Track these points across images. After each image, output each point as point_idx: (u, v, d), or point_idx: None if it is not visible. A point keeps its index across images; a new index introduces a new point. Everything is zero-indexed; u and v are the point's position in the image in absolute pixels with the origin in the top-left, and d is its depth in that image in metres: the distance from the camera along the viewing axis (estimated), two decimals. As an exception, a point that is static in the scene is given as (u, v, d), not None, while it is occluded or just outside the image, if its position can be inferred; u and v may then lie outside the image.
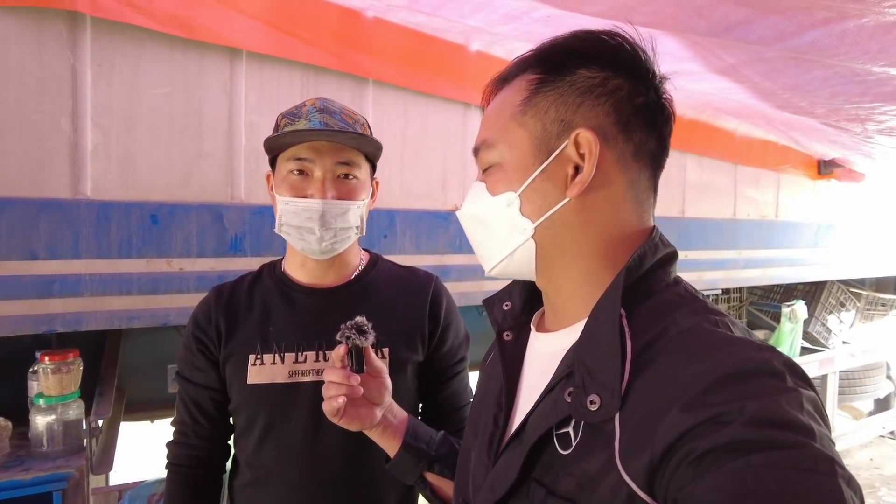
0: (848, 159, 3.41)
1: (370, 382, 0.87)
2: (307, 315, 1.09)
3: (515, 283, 0.76)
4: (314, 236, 1.02)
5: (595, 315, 0.59)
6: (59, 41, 1.47)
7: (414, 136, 2.00)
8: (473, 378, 1.30)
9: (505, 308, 0.76)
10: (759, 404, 0.46)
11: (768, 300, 4.13)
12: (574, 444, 0.55)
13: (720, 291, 3.41)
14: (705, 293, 3.21)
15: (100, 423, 1.72)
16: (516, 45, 1.84)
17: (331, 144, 1.01)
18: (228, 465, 1.19)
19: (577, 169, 0.61)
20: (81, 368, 1.67)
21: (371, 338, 0.83)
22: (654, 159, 0.64)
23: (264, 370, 1.05)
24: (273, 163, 1.08)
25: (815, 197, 3.60)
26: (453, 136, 2.10)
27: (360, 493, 1.07)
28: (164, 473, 1.68)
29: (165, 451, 1.15)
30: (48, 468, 1.55)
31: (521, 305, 0.75)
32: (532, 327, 0.72)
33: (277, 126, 1.06)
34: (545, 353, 0.67)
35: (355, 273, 1.15)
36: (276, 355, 1.06)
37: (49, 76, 1.47)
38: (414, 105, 1.98)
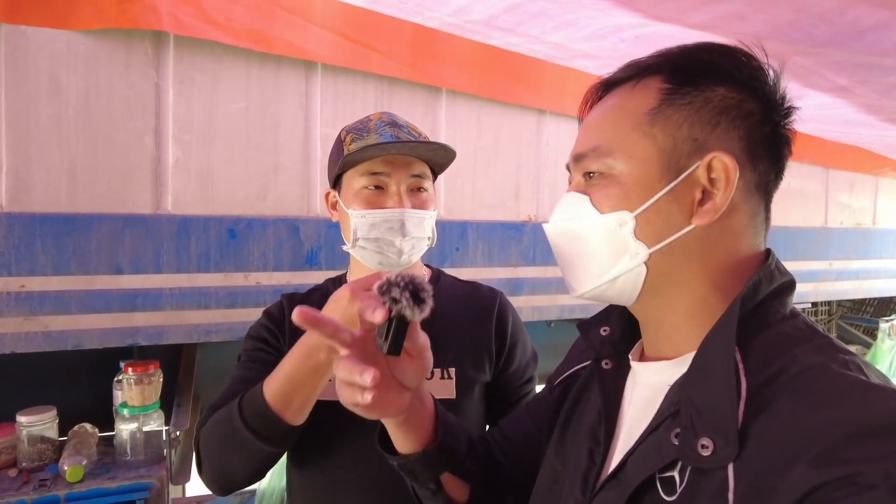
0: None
1: (407, 364, 0.64)
2: None
3: (613, 307, 0.69)
4: (395, 247, 0.99)
5: (706, 348, 0.53)
6: (145, 60, 1.50)
7: (487, 146, 1.95)
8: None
9: (603, 333, 0.69)
10: None
11: (859, 313, 3.83)
12: (679, 490, 0.50)
13: (809, 305, 3.18)
14: (795, 305, 3.03)
15: (178, 433, 1.74)
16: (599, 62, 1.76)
17: (404, 158, 0.99)
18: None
19: (703, 194, 0.56)
20: (161, 380, 1.71)
21: (427, 309, 0.57)
22: (770, 192, 0.60)
23: (329, 387, 0.98)
24: (337, 180, 1.05)
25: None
26: (527, 144, 2.03)
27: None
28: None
29: (197, 427, 1.01)
30: (132, 477, 1.59)
31: (621, 332, 0.68)
32: (630, 357, 0.66)
33: (341, 142, 1.03)
34: (647, 385, 0.62)
35: None
36: None
37: (135, 94, 1.50)
38: (487, 114, 1.92)
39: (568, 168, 0.65)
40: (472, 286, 1.17)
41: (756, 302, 0.55)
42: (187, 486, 1.74)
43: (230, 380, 1.04)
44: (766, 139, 0.57)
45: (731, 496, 0.46)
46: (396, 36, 1.71)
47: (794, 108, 0.59)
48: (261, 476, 0.96)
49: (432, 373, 1.04)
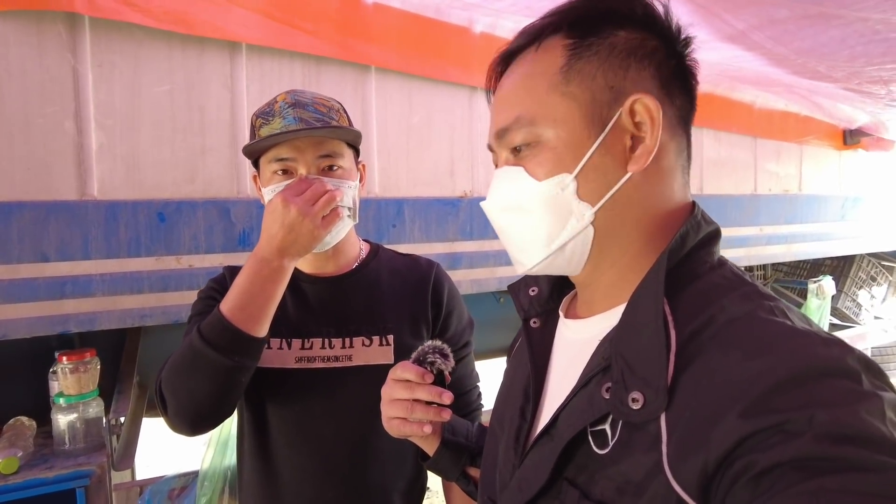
0: (876, 126, 3.29)
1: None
2: (312, 303, 1.10)
3: None
4: None
5: (635, 302, 0.53)
6: (59, 43, 1.47)
7: (419, 123, 1.97)
8: (479, 365, 1.28)
9: (531, 293, 0.70)
10: (833, 414, 0.40)
11: (794, 276, 4.03)
12: (612, 444, 0.50)
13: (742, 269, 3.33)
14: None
15: (121, 420, 1.74)
16: (521, 21, 1.80)
17: (310, 140, 1.00)
18: (233, 457, 1.19)
19: (633, 140, 0.56)
20: (99, 367, 1.70)
21: (452, 360, 0.80)
22: (688, 124, 0.59)
23: (271, 355, 1.05)
24: (256, 164, 1.07)
25: (840, 168, 3.48)
26: (459, 120, 2.07)
27: (368, 479, 1.08)
28: (184, 468, 1.71)
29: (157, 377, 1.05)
30: (70, 466, 1.58)
31: (549, 290, 0.70)
32: (560, 313, 0.67)
33: (253, 127, 1.04)
34: (575, 341, 0.62)
35: (357, 262, 1.15)
36: (283, 341, 1.06)
37: (50, 79, 1.47)
38: (418, 91, 1.95)
39: (490, 148, 0.64)
40: (411, 259, 1.21)
41: (684, 253, 0.54)
42: (136, 470, 1.74)
43: (184, 337, 1.05)
44: (674, 73, 0.57)
45: (664, 448, 0.46)
46: (322, 14, 1.71)
47: (690, 37, 0.59)
48: (228, 405, 0.98)
49: (371, 339, 1.08)
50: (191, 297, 1.63)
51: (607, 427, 0.51)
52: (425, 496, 1.19)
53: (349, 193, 1.04)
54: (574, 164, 0.56)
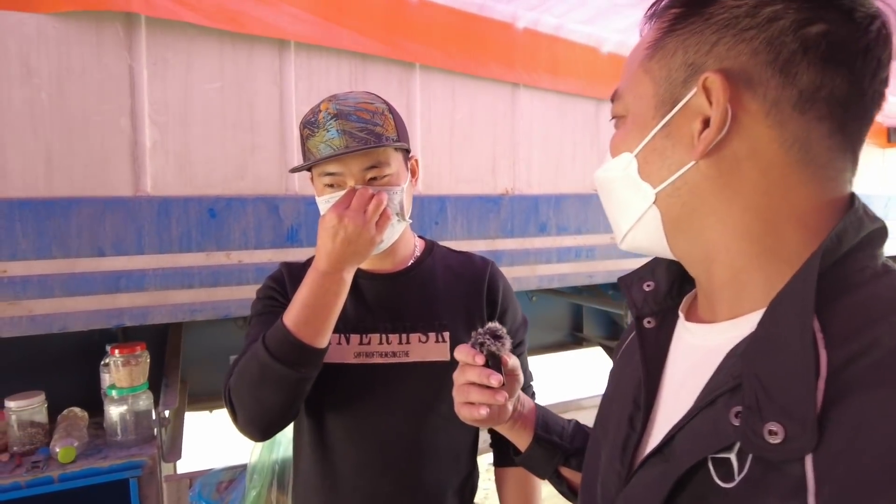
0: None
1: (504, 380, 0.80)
2: (370, 299, 1.11)
3: (660, 259, 0.63)
4: None
5: (776, 312, 0.45)
6: (117, 42, 1.50)
7: (462, 120, 1.97)
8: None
9: (646, 289, 0.63)
10: None
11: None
12: (739, 479, 0.43)
13: None
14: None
15: (167, 413, 1.77)
16: (563, 15, 1.79)
17: (354, 156, 1.00)
18: (289, 445, 1.20)
19: (705, 124, 0.49)
20: (148, 361, 1.73)
21: (508, 343, 0.77)
22: (844, 106, 0.47)
23: (330, 350, 1.05)
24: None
25: (884, 166, 3.39)
26: (502, 117, 2.06)
27: (424, 475, 1.08)
28: (231, 462, 1.73)
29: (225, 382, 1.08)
30: (123, 456, 1.62)
31: (668, 286, 0.62)
32: (681, 314, 0.60)
33: (302, 137, 1.05)
34: (698, 347, 0.55)
35: (412, 259, 1.16)
36: (342, 336, 1.07)
37: (108, 77, 1.50)
38: (462, 88, 1.95)
39: None
40: (465, 256, 1.22)
41: (839, 256, 0.46)
42: (178, 463, 1.78)
43: (247, 339, 1.08)
44: (809, 44, 0.45)
45: (811, 500, 0.38)
46: (368, 12, 1.72)
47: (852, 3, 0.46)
48: (295, 410, 1.02)
49: (427, 336, 1.10)
50: (240, 292, 1.66)
51: (732, 456, 0.44)
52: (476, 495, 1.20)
53: (396, 198, 1.04)
54: (637, 143, 0.53)
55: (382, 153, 1.02)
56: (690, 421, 0.48)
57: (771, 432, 0.40)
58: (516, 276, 2.09)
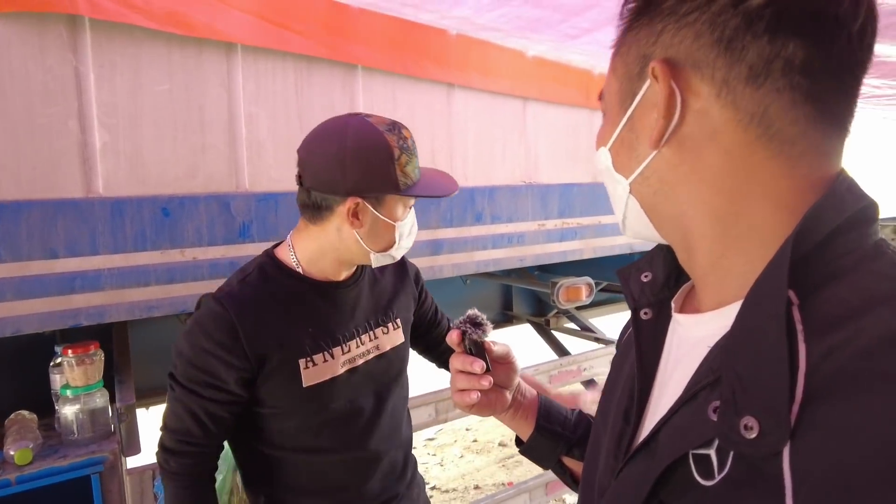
0: None
1: (498, 368, 0.80)
2: (339, 308, 1.17)
3: (658, 249, 0.62)
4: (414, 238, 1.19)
5: (751, 302, 0.43)
6: (61, 44, 1.50)
7: (403, 118, 2.07)
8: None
9: (644, 280, 0.62)
10: None
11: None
12: (719, 477, 0.42)
13: None
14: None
15: (123, 408, 1.80)
16: (494, 21, 1.94)
17: None
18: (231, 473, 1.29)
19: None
20: (103, 359, 1.75)
21: (488, 329, 0.78)
22: (807, 74, 0.43)
23: (318, 370, 1.11)
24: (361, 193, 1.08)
25: None
26: (439, 115, 2.20)
27: (401, 435, 1.27)
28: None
29: (158, 456, 1.12)
30: (83, 454, 1.64)
31: (665, 277, 0.61)
32: (672, 305, 0.59)
33: (393, 159, 1.04)
34: (685, 339, 0.54)
35: (356, 265, 1.22)
36: (326, 353, 1.12)
37: (53, 79, 1.51)
38: (402, 89, 2.07)
39: None
40: None
41: (822, 238, 0.43)
42: (137, 457, 1.81)
43: (178, 408, 1.07)
44: (752, 17, 0.43)
45: (789, 501, 0.36)
46: (311, 15, 1.80)
47: None
48: None
49: (387, 327, 1.23)
50: (196, 287, 1.72)
51: (712, 453, 0.43)
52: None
53: None
54: (609, 138, 0.54)
55: None
56: (674, 416, 0.47)
57: (746, 427, 0.39)
58: (456, 262, 2.25)
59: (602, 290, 3.38)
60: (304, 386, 1.09)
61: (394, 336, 1.25)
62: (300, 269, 1.14)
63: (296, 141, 1.91)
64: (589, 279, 2.91)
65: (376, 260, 1.13)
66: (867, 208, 0.45)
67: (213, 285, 1.73)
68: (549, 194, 2.59)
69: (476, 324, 0.77)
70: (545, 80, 2.47)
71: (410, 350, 1.35)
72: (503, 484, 3.80)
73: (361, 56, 1.92)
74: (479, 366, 0.75)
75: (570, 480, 0.83)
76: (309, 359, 1.10)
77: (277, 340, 1.07)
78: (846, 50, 0.43)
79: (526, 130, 2.49)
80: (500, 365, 0.81)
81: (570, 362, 2.73)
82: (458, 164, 2.27)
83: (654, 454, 0.48)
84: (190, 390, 1.05)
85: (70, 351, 1.67)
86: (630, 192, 0.54)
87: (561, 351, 3.43)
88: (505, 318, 3.70)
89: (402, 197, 1.09)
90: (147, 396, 2.36)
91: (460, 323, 0.78)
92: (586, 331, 3.32)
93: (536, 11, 1.63)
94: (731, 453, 0.41)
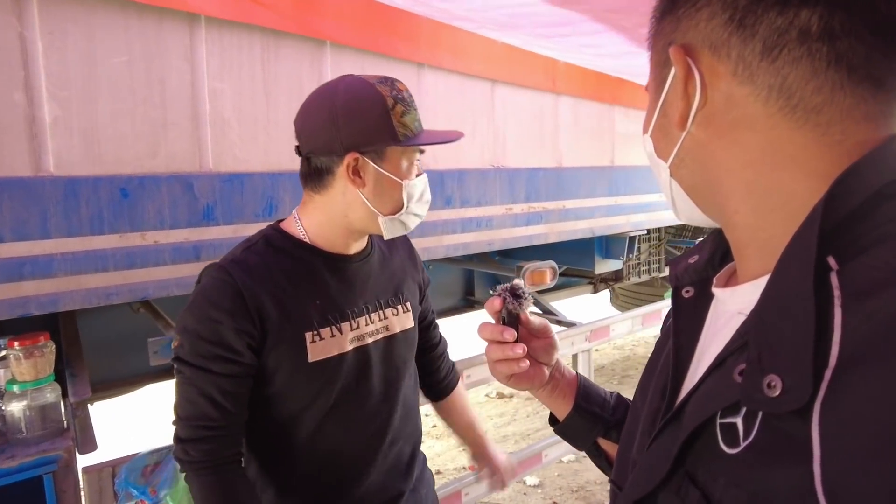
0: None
1: (536, 343, 0.79)
2: (349, 282, 1.12)
3: (710, 234, 0.63)
4: (423, 216, 1.14)
5: (782, 267, 0.43)
6: (3, 9, 1.37)
7: (372, 98, 2.03)
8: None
9: (690, 261, 0.62)
10: None
11: (681, 237, 4.55)
12: (744, 444, 0.41)
13: (645, 231, 3.73)
14: (632, 234, 3.50)
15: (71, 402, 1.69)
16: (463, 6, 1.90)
17: None
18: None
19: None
20: (54, 351, 1.63)
21: (527, 303, 0.76)
22: (826, 40, 0.43)
23: (326, 345, 1.05)
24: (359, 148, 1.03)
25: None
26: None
27: (408, 425, 1.22)
28: (155, 445, 1.70)
29: (176, 451, 1.04)
30: (34, 453, 1.53)
31: (710, 256, 0.61)
32: (714, 281, 0.58)
33: (388, 109, 1.01)
34: (722, 313, 0.54)
35: (367, 240, 1.19)
36: (334, 327, 1.07)
37: (-5, 46, 1.38)
38: (371, 66, 2.00)
39: None
40: None
41: (856, 204, 0.42)
42: (95, 454, 1.70)
43: (188, 390, 1.00)
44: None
45: (816, 467, 0.35)
46: (278, -12, 1.72)
47: None
48: None
49: (397, 309, 1.18)
50: (157, 272, 1.62)
51: (738, 421, 0.42)
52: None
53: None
54: (649, 124, 0.56)
55: None
56: (702, 384, 0.47)
57: (770, 385, 0.39)
58: (426, 246, 2.22)
59: (562, 273, 3.42)
60: (309, 361, 1.03)
61: (404, 319, 1.19)
62: (307, 240, 1.10)
63: (262, 118, 1.84)
64: (553, 263, 2.94)
65: (387, 227, 1.07)
66: None
67: (175, 270, 1.65)
68: (517, 178, 2.59)
69: (516, 295, 0.75)
70: (513, 63, 2.45)
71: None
72: (464, 468, 3.83)
73: (330, 32, 1.85)
74: (509, 334, 0.74)
75: (605, 463, 0.81)
76: (316, 332, 1.05)
77: (283, 310, 1.02)
78: (868, 8, 0.43)
79: (494, 113, 2.47)
80: (539, 340, 0.79)
81: (535, 346, 2.74)
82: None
83: (681, 423, 0.48)
84: (200, 368, 0.99)
85: (17, 343, 1.55)
86: (671, 176, 0.55)
87: (523, 335, 3.44)
88: (467, 303, 3.70)
89: (404, 150, 1.04)
90: (100, 390, 2.23)
91: (502, 290, 0.76)
92: (548, 314, 3.36)
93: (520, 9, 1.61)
94: (758, 420, 0.41)
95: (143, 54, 1.55)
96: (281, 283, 1.04)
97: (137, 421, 3.65)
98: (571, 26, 1.78)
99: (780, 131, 0.46)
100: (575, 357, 3.01)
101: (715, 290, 0.56)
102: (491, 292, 0.76)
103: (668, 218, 3.61)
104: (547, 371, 0.80)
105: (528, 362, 0.75)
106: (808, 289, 0.39)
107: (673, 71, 0.50)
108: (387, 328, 1.16)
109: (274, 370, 1.03)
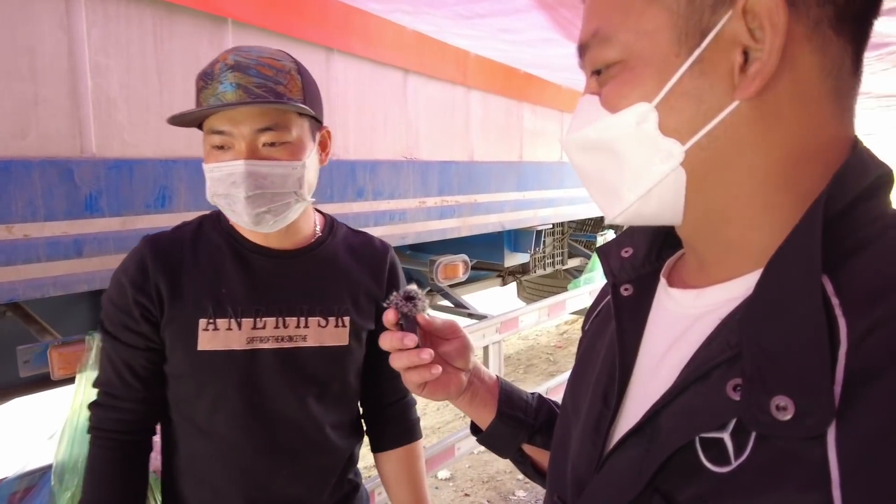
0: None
1: (447, 346, 0.72)
2: (266, 278, 1.02)
3: (638, 227, 0.57)
4: (240, 204, 0.92)
5: (776, 269, 0.39)
6: None
7: (278, 83, 1.92)
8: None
9: (624, 255, 0.57)
10: None
11: (582, 231, 4.74)
12: (737, 463, 0.38)
13: (551, 225, 3.84)
14: (539, 228, 3.60)
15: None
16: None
17: (248, 111, 0.90)
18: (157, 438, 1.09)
19: (747, 55, 0.41)
20: None
21: (421, 304, 0.71)
22: (861, 27, 0.42)
23: (218, 336, 0.98)
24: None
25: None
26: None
27: (311, 462, 1.06)
28: (25, 467, 1.50)
29: (88, 413, 1.03)
30: None
31: (647, 250, 0.56)
32: (662, 279, 0.54)
33: (196, 90, 0.94)
34: (683, 316, 0.49)
35: (314, 238, 1.08)
36: (232, 320, 0.99)
37: None
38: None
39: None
40: (365, 237, 1.17)
41: (843, 205, 0.40)
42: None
43: (103, 357, 1.03)
44: None
45: (836, 491, 0.32)
46: (172, -44, 1.56)
47: None
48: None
49: (327, 320, 1.04)
50: (29, 270, 1.43)
51: (726, 436, 0.39)
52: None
53: (294, 175, 0.94)
54: (657, 89, 0.43)
55: (281, 115, 0.92)
56: (678, 397, 0.43)
57: (779, 407, 0.35)
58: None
59: (472, 267, 3.45)
60: (198, 348, 0.97)
61: (334, 333, 1.05)
62: (237, 229, 1.04)
63: (155, 100, 1.67)
64: (465, 256, 2.95)
65: (236, 218, 0.98)
66: (887, 175, 0.43)
67: (51, 268, 1.46)
68: (430, 171, 2.56)
69: (409, 298, 0.71)
70: (425, 53, 2.41)
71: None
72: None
73: (231, 9, 1.72)
74: (410, 340, 0.67)
75: (532, 470, 0.76)
76: (211, 321, 0.98)
77: (180, 291, 0.99)
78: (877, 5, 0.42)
79: (407, 104, 2.42)
80: (449, 342, 0.73)
81: (447, 339, 2.74)
82: (338, 135, 2.14)
83: (653, 439, 0.43)
84: (111, 335, 1.00)
85: None
86: (681, 164, 0.44)
87: (434, 329, 3.44)
88: (377, 298, 3.63)
89: (207, 136, 0.94)
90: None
91: (394, 298, 0.71)
92: (460, 307, 3.37)
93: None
94: (753, 437, 0.37)
95: (7, 20, 1.34)
96: (189, 265, 1.00)
97: (3, 440, 3.26)
98: (490, 2, 1.74)
99: (823, 118, 0.42)
100: (486, 349, 3.04)
101: (672, 290, 0.51)
102: (384, 304, 0.71)
103: (572, 213, 3.75)
104: (464, 377, 0.73)
105: (439, 368, 0.68)
106: (816, 299, 0.36)
107: (726, 17, 0.40)
108: (304, 338, 1.03)
109: (171, 350, 1.00)
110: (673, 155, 0.43)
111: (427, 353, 0.67)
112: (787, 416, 0.35)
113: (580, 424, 0.55)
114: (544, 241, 3.92)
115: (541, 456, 0.75)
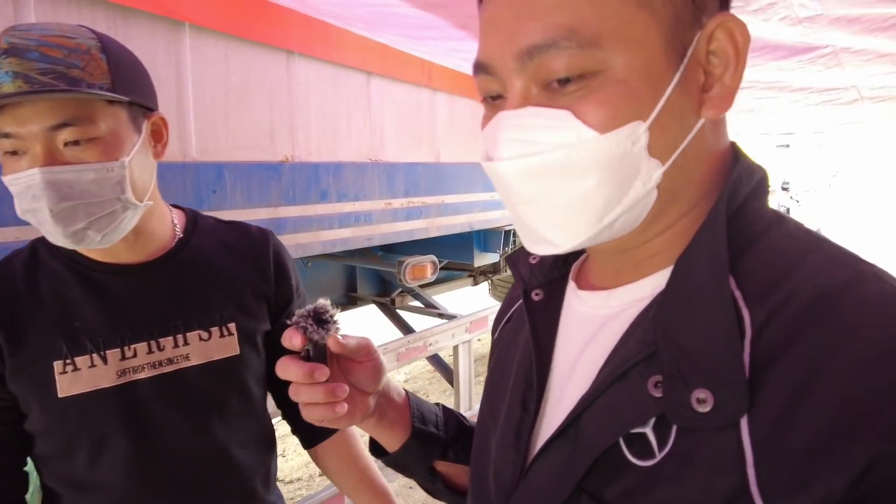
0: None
1: (357, 368, 0.64)
2: (126, 300, 0.88)
3: None
4: (48, 221, 0.75)
5: (685, 268, 0.41)
6: None
7: (238, 85, 1.92)
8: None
9: (532, 262, 0.57)
10: None
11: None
12: (661, 455, 0.39)
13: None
14: (507, 228, 3.61)
15: None
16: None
17: (35, 106, 0.71)
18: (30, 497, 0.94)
19: (705, 75, 0.42)
20: None
21: (334, 327, 0.60)
22: None
23: (80, 377, 0.83)
24: None
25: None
26: (278, 83, 2.05)
27: (219, 492, 0.94)
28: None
29: None
30: None
31: (553, 256, 0.56)
32: (572, 282, 0.55)
33: None
34: (594, 317, 0.49)
35: (174, 241, 0.93)
36: (95, 355, 0.84)
37: None
38: (236, 52, 1.88)
39: (484, 71, 0.44)
40: (239, 227, 1.02)
41: (737, 205, 0.42)
42: None
43: None
44: None
45: (750, 471, 0.35)
46: (126, -41, 1.56)
47: None
48: None
49: (209, 332, 0.91)
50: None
51: (648, 431, 0.40)
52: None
53: (111, 178, 0.77)
54: (650, 106, 0.40)
55: (82, 106, 0.74)
56: (600, 397, 0.43)
57: (699, 400, 0.37)
58: (300, 242, 2.14)
59: (443, 267, 3.47)
60: (59, 396, 0.82)
61: (219, 345, 0.92)
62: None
63: (108, 104, 1.66)
64: (433, 257, 2.97)
65: (52, 238, 0.79)
66: (765, 176, 0.46)
67: None
68: (395, 173, 2.57)
69: (321, 320, 0.59)
70: (388, 57, 2.43)
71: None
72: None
73: (188, 12, 1.71)
74: (321, 373, 0.57)
75: (443, 488, 0.70)
76: (68, 361, 0.82)
77: (27, 333, 0.82)
78: None
79: (370, 106, 2.43)
80: (360, 365, 0.64)
81: (416, 339, 2.76)
82: (300, 137, 2.14)
83: (578, 441, 0.44)
84: None
85: None
86: (657, 185, 0.42)
87: (406, 329, 3.47)
88: (349, 300, 3.64)
89: None
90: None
91: (300, 318, 0.59)
92: (430, 307, 3.39)
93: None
94: (674, 429, 0.39)
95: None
96: (27, 303, 0.84)
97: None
98: (437, 30, 1.79)
99: (724, 125, 0.46)
100: (456, 348, 3.07)
101: (581, 292, 0.52)
102: (287, 322, 0.60)
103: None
104: (372, 401, 0.65)
105: (345, 406, 0.59)
106: (725, 294, 0.38)
107: (698, 35, 0.41)
108: (187, 357, 0.90)
109: (25, 404, 0.84)
110: (653, 177, 0.41)
111: (342, 390, 0.58)
112: (707, 408, 0.37)
113: (498, 433, 0.54)
114: (513, 241, 3.95)
115: (453, 471, 0.70)
